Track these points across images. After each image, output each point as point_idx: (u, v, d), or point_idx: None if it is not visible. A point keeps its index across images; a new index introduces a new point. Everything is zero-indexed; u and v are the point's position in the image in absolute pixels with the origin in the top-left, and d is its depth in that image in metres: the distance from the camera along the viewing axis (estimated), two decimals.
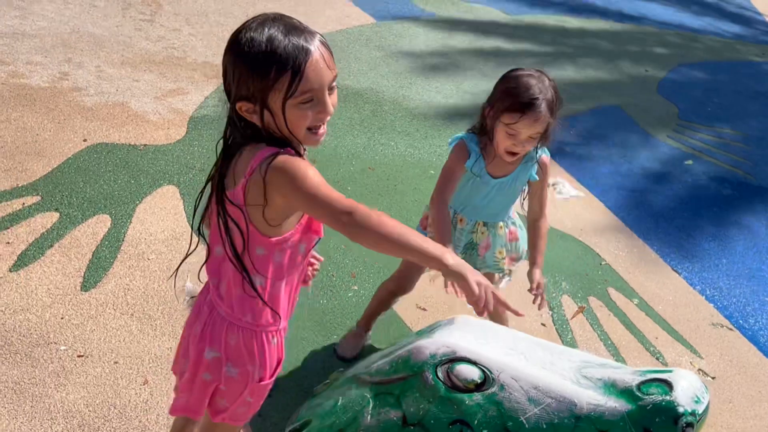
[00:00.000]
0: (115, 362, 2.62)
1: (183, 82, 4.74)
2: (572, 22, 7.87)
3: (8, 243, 3.04)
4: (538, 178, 2.60)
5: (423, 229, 2.70)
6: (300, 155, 1.65)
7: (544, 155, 2.60)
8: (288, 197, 1.58)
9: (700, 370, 3.24)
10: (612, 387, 2.04)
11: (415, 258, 1.58)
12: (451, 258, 1.57)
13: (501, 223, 2.69)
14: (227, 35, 1.64)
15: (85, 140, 3.88)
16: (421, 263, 1.70)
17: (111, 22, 5.41)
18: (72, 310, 2.80)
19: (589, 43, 7.33)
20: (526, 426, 2.05)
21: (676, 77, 6.86)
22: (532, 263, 2.62)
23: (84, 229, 3.23)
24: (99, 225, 3.29)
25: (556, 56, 6.70)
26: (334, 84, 1.65)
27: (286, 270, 1.74)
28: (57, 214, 3.28)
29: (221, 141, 1.69)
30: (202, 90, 4.67)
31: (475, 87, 5.62)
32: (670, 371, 2.04)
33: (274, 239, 1.66)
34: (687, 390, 1.96)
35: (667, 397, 1.95)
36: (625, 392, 2.01)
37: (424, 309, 3.21)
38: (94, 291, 2.91)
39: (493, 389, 2.10)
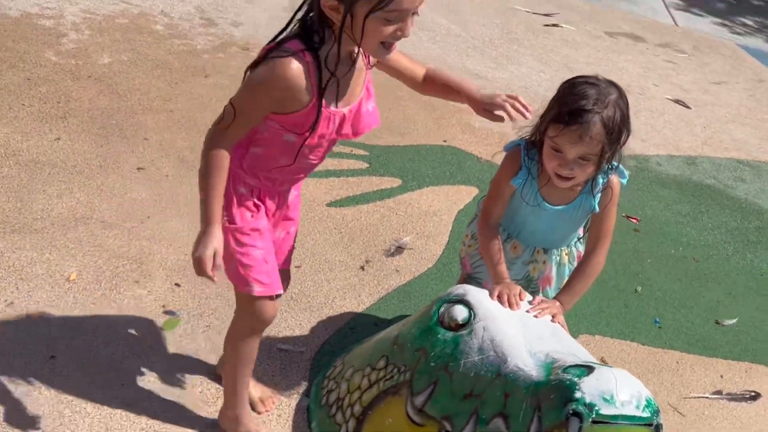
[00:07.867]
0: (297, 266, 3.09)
1: None
2: None
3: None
4: (599, 210, 2.18)
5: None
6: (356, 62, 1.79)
7: (614, 177, 2.17)
8: None
9: None
10: (551, 363, 1.74)
11: None
12: None
13: (565, 249, 2.32)
14: None
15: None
16: None
17: None
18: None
19: None
20: (460, 369, 1.95)
21: None
22: (558, 297, 2.18)
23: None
24: None
25: None
26: (418, 12, 1.70)
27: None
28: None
29: None
30: None
31: None
32: (609, 367, 1.64)
33: None
34: (602, 382, 1.60)
35: (575, 378, 1.60)
36: (552, 367, 1.71)
37: None
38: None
39: (464, 332, 1.99)
